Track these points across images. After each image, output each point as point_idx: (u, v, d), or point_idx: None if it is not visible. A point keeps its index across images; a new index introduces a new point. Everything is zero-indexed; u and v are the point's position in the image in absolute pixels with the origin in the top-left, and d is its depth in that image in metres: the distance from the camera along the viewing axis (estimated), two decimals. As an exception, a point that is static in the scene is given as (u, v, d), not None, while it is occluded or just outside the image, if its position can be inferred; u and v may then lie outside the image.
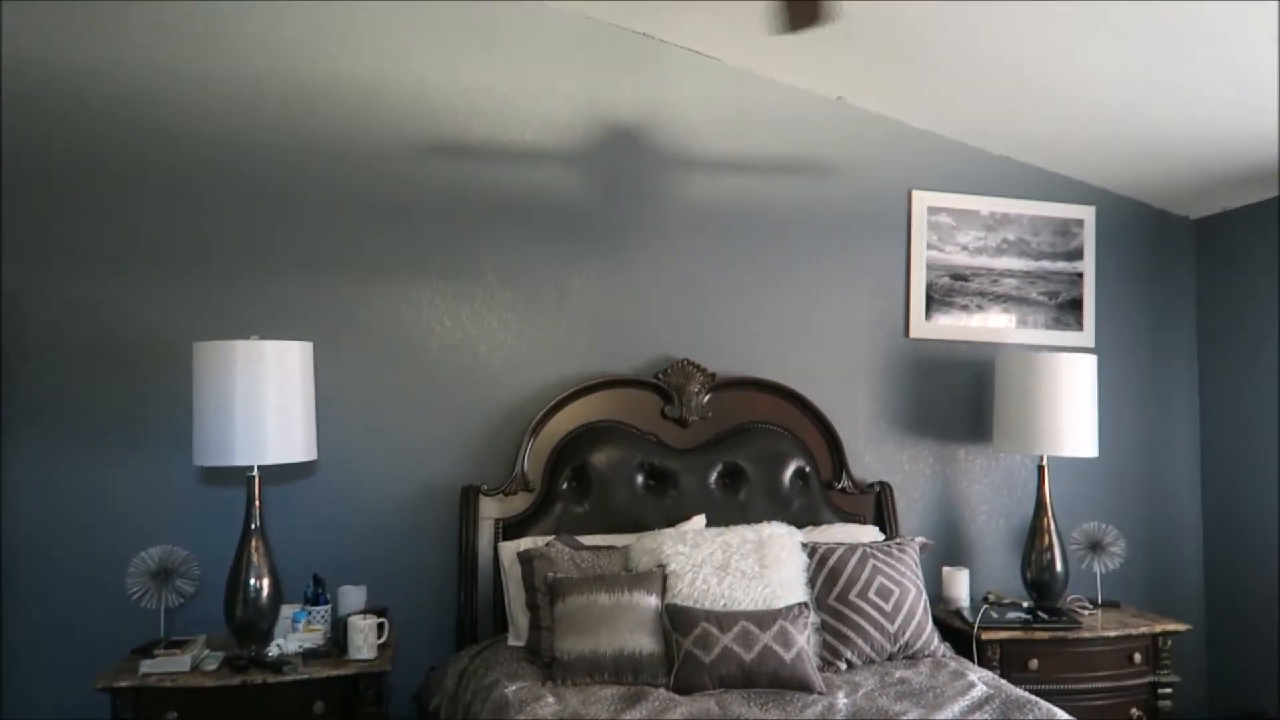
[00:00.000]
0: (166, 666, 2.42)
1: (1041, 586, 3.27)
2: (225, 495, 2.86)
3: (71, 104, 2.87)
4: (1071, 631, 3.05)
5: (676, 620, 2.46)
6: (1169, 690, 3.13)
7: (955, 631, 3.11)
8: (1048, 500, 3.32)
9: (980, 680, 2.45)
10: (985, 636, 3.02)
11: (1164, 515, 3.82)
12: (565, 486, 3.10)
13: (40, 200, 2.84)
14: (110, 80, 2.90)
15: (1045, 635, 3.04)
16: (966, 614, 3.17)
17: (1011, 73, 3.07)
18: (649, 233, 3.34)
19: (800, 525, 3.07)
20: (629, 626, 2.44)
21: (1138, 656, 3.11)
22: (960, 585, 3.33)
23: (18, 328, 2.80)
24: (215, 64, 2.97)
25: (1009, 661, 3.03)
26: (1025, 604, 3.28)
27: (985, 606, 3.23)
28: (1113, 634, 3.08)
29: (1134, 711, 3.09)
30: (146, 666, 2.41)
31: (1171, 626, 3.16)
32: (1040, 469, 3.34)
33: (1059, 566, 3.25)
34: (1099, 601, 3.39)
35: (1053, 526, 3.29)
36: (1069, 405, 3.22)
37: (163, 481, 2.86)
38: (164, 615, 2.64)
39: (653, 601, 2.51)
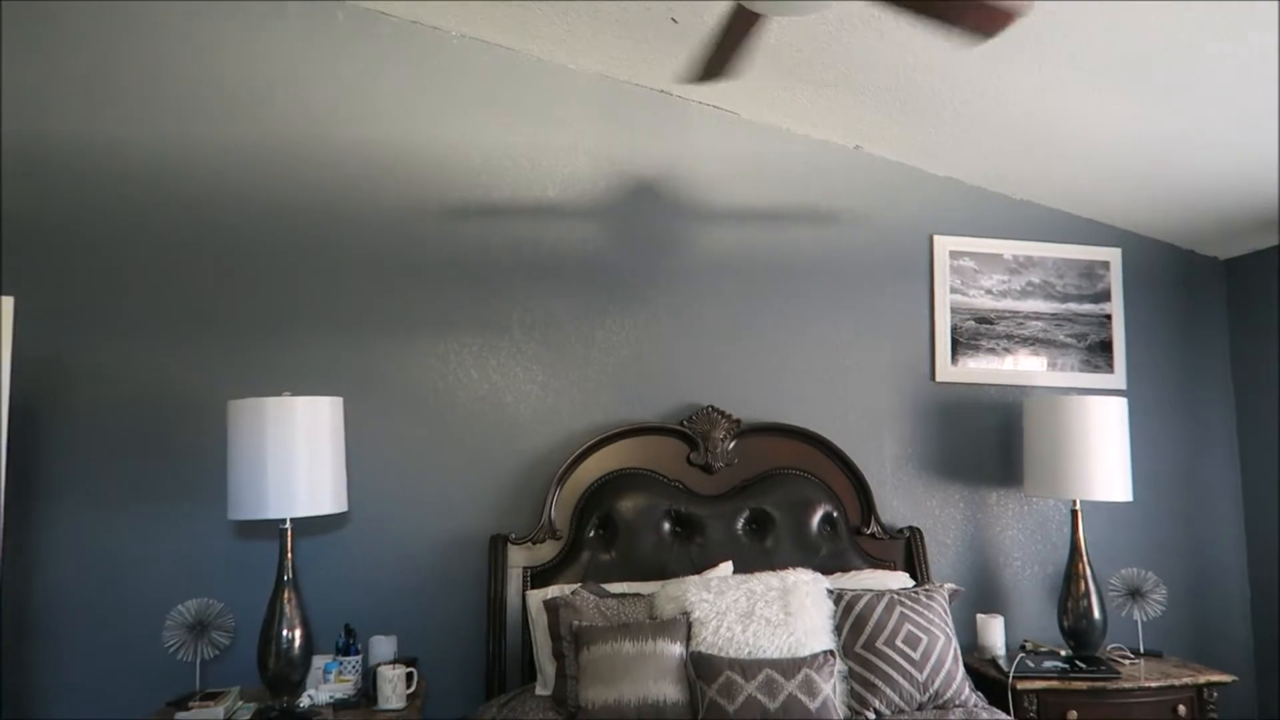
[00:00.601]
0: (200, 718, 2.47)
1: (1079, 635, 3.20)
2: (259, 549, 2.93)
3: (111, 179, 3.02)
4: (1111, 682, 2.97)
5: (700, 668, 2.45)
6: (1217, 743, 3.02)
7: (990, 681, 3.05)
8: (1082, 546, 3.26)
9: (1012, 731, 2.40)
10: (1020, 686, 2.95)
11: (1206, 561, 3.72)
12: (592, 534, 3.12)
13: (82, 271, 2.98)
14: (148, 154, 3.05)
15: (1083, 685, 2.96)
16: (1002, 663, 3.11)
17: (1028, 119, 3.11)
18: (672, 283, 3.40)
19: (829, 571, 3.06)
20: (653, 675, 2.43)
21: (1182, 709, 3.01)
22: (995, 633, 3.27)
23: (61, 392, 2.92)
24: (247, 136, 3.11)
25: (1046, 712, 2.95)
26: (1063, 653, 3.20)
27: (1021, 655, 3.17)
28: (1154, 684, 2.99)
29: (1180, 764, 2.99)
30: (181, 718, 2.46)
31: (1217, 677, 3.07)
32: (1074, 514, 3.29)
33: (1096, 614, 3.18)
34: (1141, 650, 3.31)
35: (1089, 573, 3.23)
36: (1100, 448, 3.18)
37: (199, 536, 2.94)
38: (200, 667, 2.70)
39: (677, 650, 2.50)
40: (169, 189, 3.06)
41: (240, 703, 2.61)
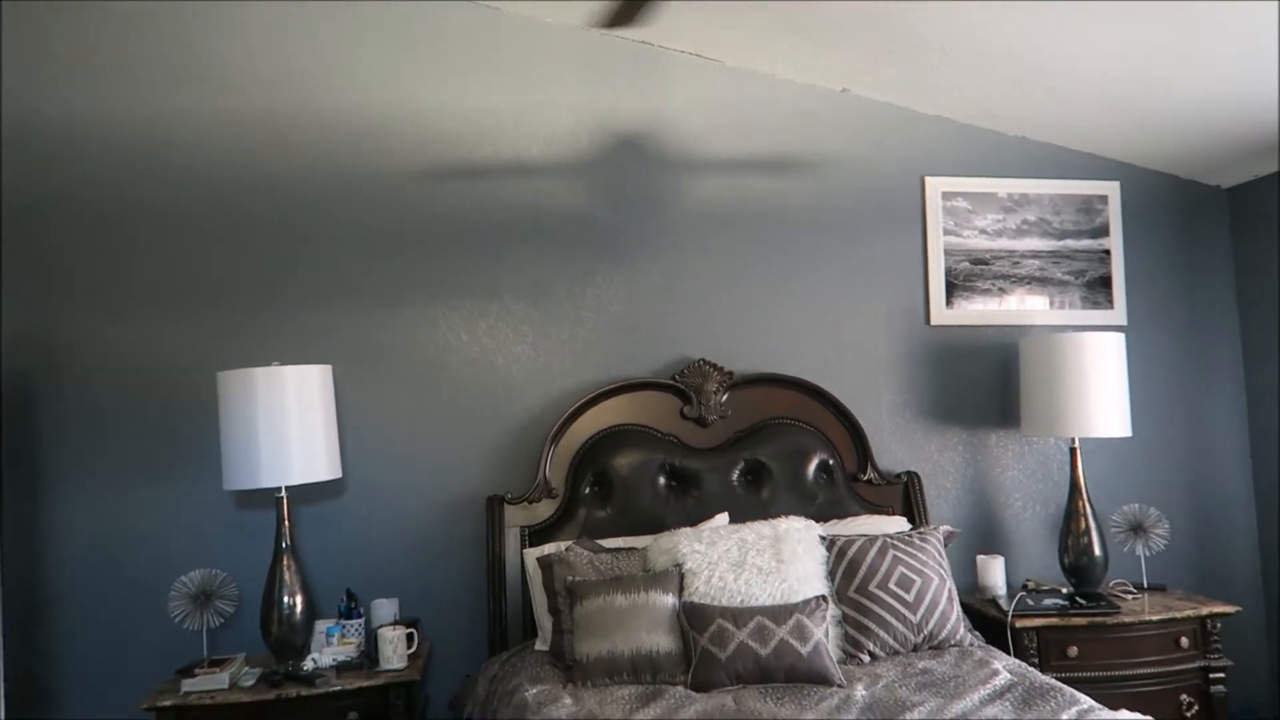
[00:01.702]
0: (206, 685, 2.52)
1: (1080, 572, 3.19)
2: (259, 517, 2.97)
3: (94, 153, 3.02)
4: (1110, 617, 2.97)
5: (692, 618, 2.47)
6: (1221, 674, 3.02)
7: (991, 620, 3.06)
8: (1082, 483, 3.24)
9: (1005, 669, 2.41)
10: (1020, 624, 2.96)
11: (1211, 494, 3.69)
12: (588, 491, 3.14)
13: (71, 249, 3.00)
14: (136, 128, 3.05)
15: (1083, 621, 2.97)
16: (1002, 602, 3.11)
17: (1017, 53, 3.03)
18: (659, 237, 3.37)
19: (825, 519, 3.06)
20: (646, 626, 2.46)
21: (1185, 640, 3.01)
22: (996, 573, 3.27)
23: (55, 368, 2.95)
24: (231, 107, 3.10)
25: (1047, 649, 2.97)
26: (1065, 590, 3.20)
27: (1021, 594, 3.17)
28: (1156, 618, 2.99)
29: (1184, 697, 2.99)
30: (188, 685, 2.52)
31: (1220, 609, 3.06)
32: (1073, 451, 3.27)
33: (1097, 551, 3.17)
34: (1144, 585, 3.30)
35: (1089, 510, 3.21)
36: (1098, 385, 3.15)
37: (199, 507, 2.98)
38: (206, 635, 2.75)
39: (669, 600, 2.53)
40: (157, 162, 3.06)
41: (246, 668, 2.67)
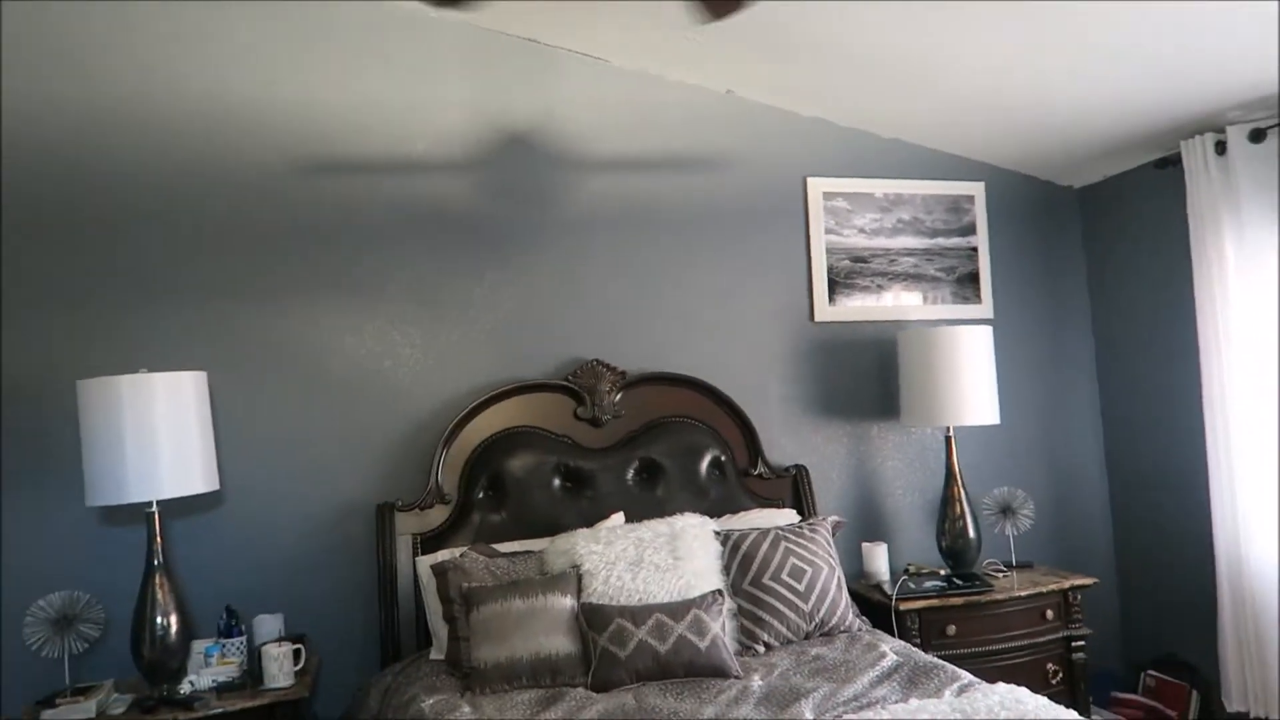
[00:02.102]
0: (70, 715, 2.35)
1: (956, 554, 3.37)
2: (127, 534, 2.79)
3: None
4: (985, 594, 3.15)
5: (591, 619, 2.47)
6: (1082, 643, 3.24)
7: (876, 604, 3.18)
8: (957, 470, 3.41)
9: (892, 650, 2.52)
10: (904, 607, 3.09)
11: (1070, 475, 3.96)
12: (482, 496, 3.09)
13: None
14: (-24, 116, 2.80)
15: (960, 601, 3.13)
16: (886, 587, 3.25)
17: (890, 58, 3.15)
18: (549, 237, 3.34)
19: (719, 514, 3.11)
20: (544, 630, 2.44)
21: (1050, 613, 3.22)
22: (880, 560, 3.41)
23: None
24: (83, 94, 2.88)
25: (928, 630, 3.11)
26: (943, 572, 3.37)
27: (904, 578, 3.32)
28: (1024, 593, 3.18)
29: (1050, 666, 3.20)
30: (48, 716, 2.34)
31: (1080, 581, 3.28)
32: (948, 440, 3.44)
33: (971, 533, 3.35)
34: (1013, 564, 3.50)
35: (963, 495, 3.39)
36: (969, 376, 3.32)
37: (59, 524, 2.77)
38: (69, 662, 2.56)
39: (568, 603, 2.52)
40: (14, 152, 2.81)
41: (115, 694, 2.50)
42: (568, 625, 2.48)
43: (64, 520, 2.77)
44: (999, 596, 3.16)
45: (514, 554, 2.79)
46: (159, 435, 2.48)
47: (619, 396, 3.28)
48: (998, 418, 3.37)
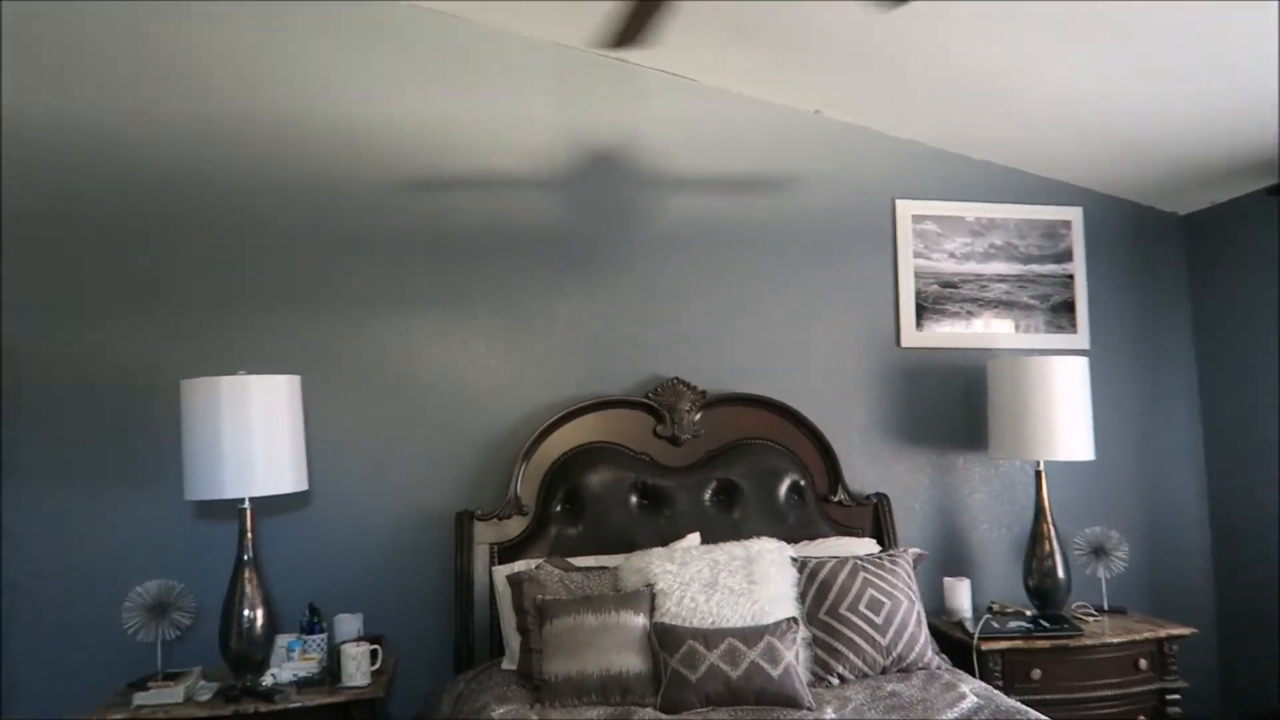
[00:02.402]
0: (160, 699, 2.45)
1: (1044, 594, 3.23)
2: (221, 529, 2.90)
3: (54, 156, 2.94)
4: (1073, 639, 3.01)
5: (663, 639, 2.46)
6: (1177, 696, 3.07)
7: (957, 643, 3.08)
8: (1046, 506, 3.29)
9: (972, 691, 2.43)
10: (985, 647, 2.98)
11: (1168, 517, 3.76)
12: (559, 509, 3.11)
13: (33, 250, 2.91)
14: (92, 129, 2.97)
15: (1046, 644, 3.00)
16: (968, 625, 3.14)
17: (987, 79, 3.08)
18: (633, 254, 3.36)
19: (797, 540, 3.06)
20: (615, 647, 2.44)
21: (1143, 663, 3.06)
22: (962, 596, 3.29)
23: (15, 374, 2.86)
24: (195, 109, 3.04)
25: (1011, 672, 2.99)
26: (1029, 613, 3.24)
27: (987, 617, 3.20)
28: (1116, 640, 3.03)
29: (1141, 718, 3.03)
30: (140, 699, 2.44)
31: (1177, 631, 3.11)
32: (1038, 474, 3.31)
33: (1061, 573, 3.22)
34: (1105, 607, 3.35)
35: (1053, 533, 3.26)
36: (1062, 409, 3.20)
37: (159, 517, 2.90)
38: (161, 648, 2.67)
39: (640, 621, 2.51)
40: (118, 166, 2.99)
41: (202, 682, 2.60)
42: (639, 644, 2.46)
43: (164, 512, 2.90)
44: (1089, 642, 3.01)
45: (589, 569, 2.79)
46: (254, 435, 2.58)
47: (698, 416, 3.27)
48: (1092, 453, 3.23)
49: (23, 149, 2.92)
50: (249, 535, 2.66)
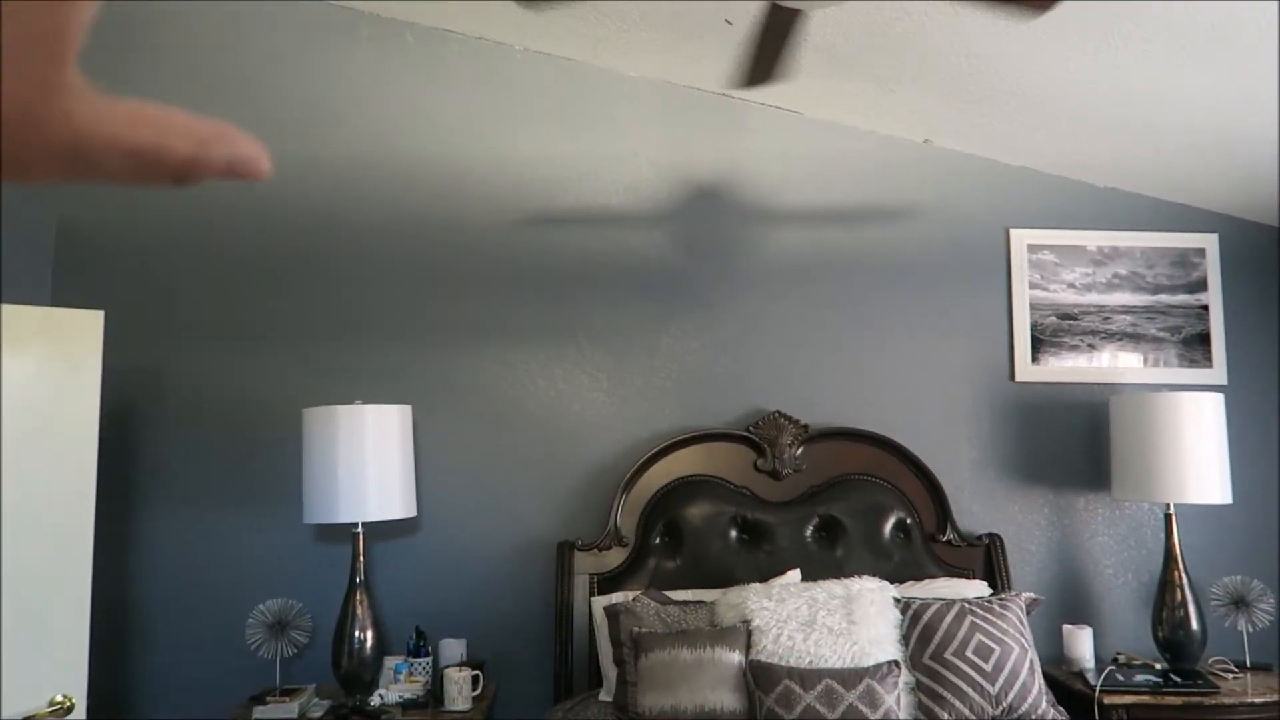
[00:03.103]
0: (276, 714, 2.58)
1: (1175, 647, 3.01)
2: (336, 551, 3.04)
3: (194, 196, 3.20)
4: (1209, 696, 2.79)
5: (759, 677, 2.42)
6: (1333, 766, 2.79)
7: (1076, 695, 2.90)
8: (1178, 551, 3.07)
9: (1091, 748, 2.28)
10: (1109, 700, 2.80)
11: (1322, 568, 3.45)
12: (658, 541, 3.12)
13: (168, 285, 3.17)
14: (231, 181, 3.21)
15: (1178, 700, 2.79)
16: (1090, 676, 2.95)
17: (1107, 102, 2.96)
18: (736, 287, 3.37)
19: (902, 580, 2.97)
20: (710, 683, 2.42)
21: (1292, 727, 2.80)
22: (1083, 645, 3.10)
23: (150, 401, 3.11)
24: (322, 154, 3.25)
25: (1138, 729, 2.79)
26: (1158, 666, 3.02)
27: (1111, 668, 3.00)
28: (1259, 700, 2.79)
29: (1290, 789, 2.77)
30: (259, 713, 2.58)
31: (1332, 693, 2.84)
32: (1168, 518, 3.10)
33: (1194, 625, 2.99)
34: (1247, 664, 3.09)
35: (1185, 580, 3.04)
36: (1194, 448, 2.99)
37: (280, 538, 3.07)
38: (280, 664, 2.82)
39: (735, 658, 2.48)
40: (249, 206, 3.22)
41: (315, 699, 2.72)
42: (734, 681, 2.44)
43: (285, 534, 3.07)
44: (1227, 700, 2.78)
45: (685, 602, 2.79)
46: (367, 462, 2.71)
47: (800, 450, 3.23)
48: (1229, 496, 3.00)
49: (174, 194, 3.19)
50: (361, 559, 2.79)
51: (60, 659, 2.22)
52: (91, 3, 0.24)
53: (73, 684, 2.22)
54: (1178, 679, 2.88)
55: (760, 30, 2.03)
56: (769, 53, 2.11)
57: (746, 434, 3.23)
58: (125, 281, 3.15)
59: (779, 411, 3.25)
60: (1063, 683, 2.99)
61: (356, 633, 2.72)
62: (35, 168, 0.24)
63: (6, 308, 2.22)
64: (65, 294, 3.09)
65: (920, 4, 2.57)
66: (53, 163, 0.24)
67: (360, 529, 2.79)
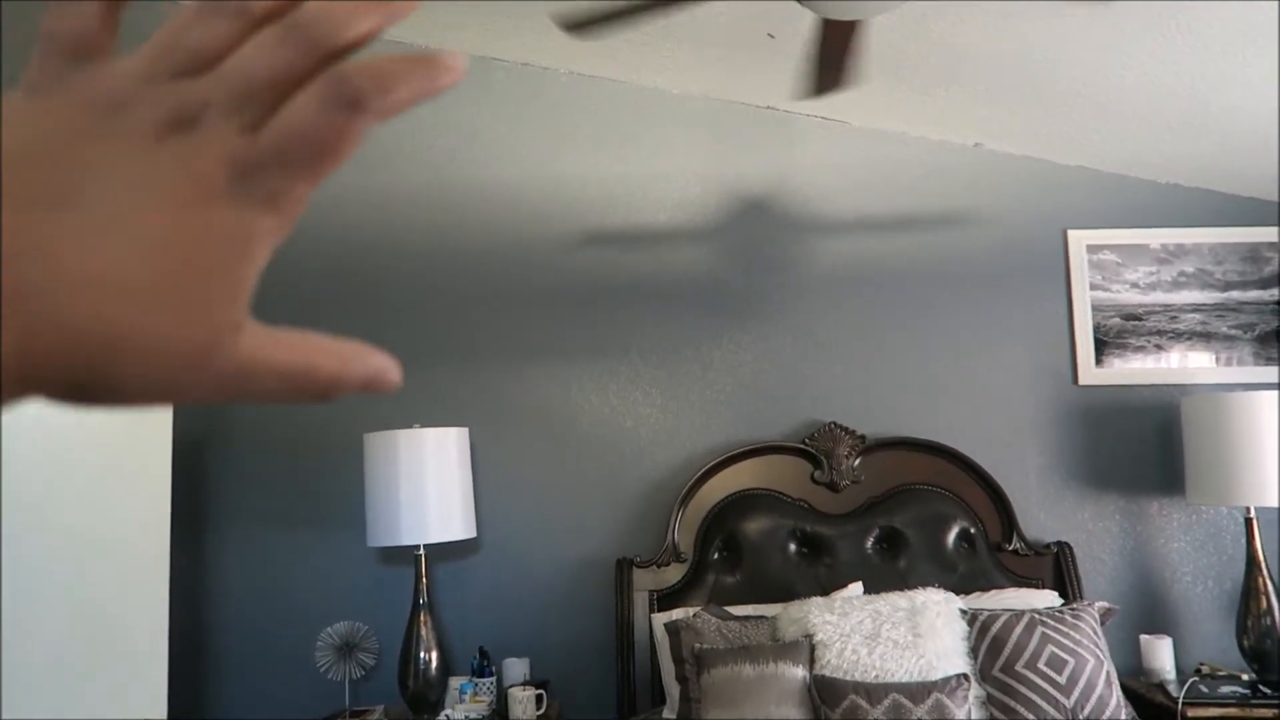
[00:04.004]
0: (346, 735, 2.63)
1: (1263, 656, 2.88)
2: (400, 574, 3.09)
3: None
4: (1301, 709, 2.66)
5: (824, 692, 2.39)
6: None
7: (1157, 708, 2.79)
8: (1260, 557, 2.94)
9: (1174, 763, 2.20)
10: (1192, 714, 2.69)
11: None
12: (716, 556, 3.10)
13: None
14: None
15: (1269, 713, 2.67)
16: (1171, 688, 2.84)
17: (1167, 97, 2.88)
18: (787, 299, 3.35)
19: (967, 591, 2.91)
20: (774, 699, 2.39)
21: (1394, 740, 2.66)
22: (1163, 655, 2.99)
23: (222, 427, 3.21)
24: (376, 183, 3.33)
25: (1225, 744, 2.68)
26: (1245, 677, 2.89)
27: (1194, 679, 2.89)
28: (1356, 713, 2.66)
29: (1394, 807, 2.63)
30: (330, 734, 2.63)
31: None
32: (1248, 522, 2.98)
33: (1282, 633, 2.86)
34: (1341, 674, 2.94)
35: (1269, 587, 2.91)
36: (1275, 449, 2.87)
37: (346, 560, 3.14)
38: (349, 685, 2.87)
39: (799, 673, 2.45)
40: (307, 235, 3.31)
41: (384, 720, 2.76)
42: (799, 697, 2.41)
43: (350, 557, 3.13)
44: (1321, 713, 2.66)
45: (746, 618, 2.77)
46: (427, 484, 2.76)
47: (858, 461, 3.19)
48: (1315, 498, 2.88)
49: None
50: (423, 580, 2.83)
51: (142, 682, 2.30)
52: (267, 249, 0.25)
53: (155, 706, 2.29)
54: (1267, 690, 2.76)
55: (818, 42, 2.03)
56: (832, 63, 2.11)
57: (802, 446, 3.20)
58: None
59: (835, 423, 3.22)
60: (1143, 695, 2.88)
61: (421, 654, 2.76)
62: (200, 395, 0.26)
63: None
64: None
65: (967, 5, 2.55)
66: (215, 390, 0.26)
67: (422, 551, 2.83)
